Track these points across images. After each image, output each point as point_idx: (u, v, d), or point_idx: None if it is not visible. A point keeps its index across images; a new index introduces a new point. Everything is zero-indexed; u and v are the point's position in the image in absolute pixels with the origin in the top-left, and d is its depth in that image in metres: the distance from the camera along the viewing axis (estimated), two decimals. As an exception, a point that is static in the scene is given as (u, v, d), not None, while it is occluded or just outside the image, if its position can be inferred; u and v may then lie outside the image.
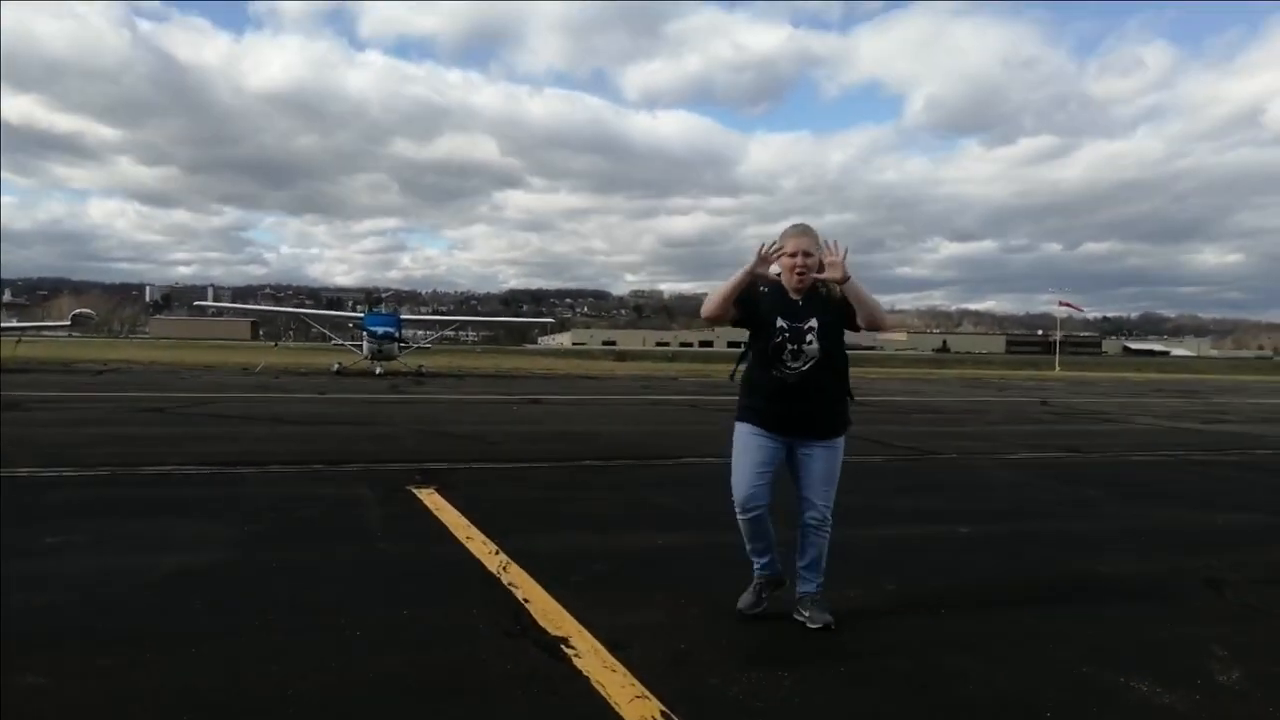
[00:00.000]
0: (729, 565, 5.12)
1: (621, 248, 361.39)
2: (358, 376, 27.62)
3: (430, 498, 6.98)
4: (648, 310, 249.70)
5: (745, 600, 4.27)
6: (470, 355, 61.68)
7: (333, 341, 35.72)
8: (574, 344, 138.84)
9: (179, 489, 7.43)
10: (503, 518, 6.27)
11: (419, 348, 34.92)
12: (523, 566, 4.95)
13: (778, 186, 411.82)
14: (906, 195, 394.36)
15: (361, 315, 35.06)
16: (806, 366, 3.98)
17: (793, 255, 3.98)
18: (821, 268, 3.96)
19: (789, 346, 3.98)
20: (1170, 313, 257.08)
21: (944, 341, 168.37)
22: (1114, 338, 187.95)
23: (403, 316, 36.23)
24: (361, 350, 30.65)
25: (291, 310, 73.40)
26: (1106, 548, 6.03)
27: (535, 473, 8.94)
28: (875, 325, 3.99)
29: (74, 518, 6.09)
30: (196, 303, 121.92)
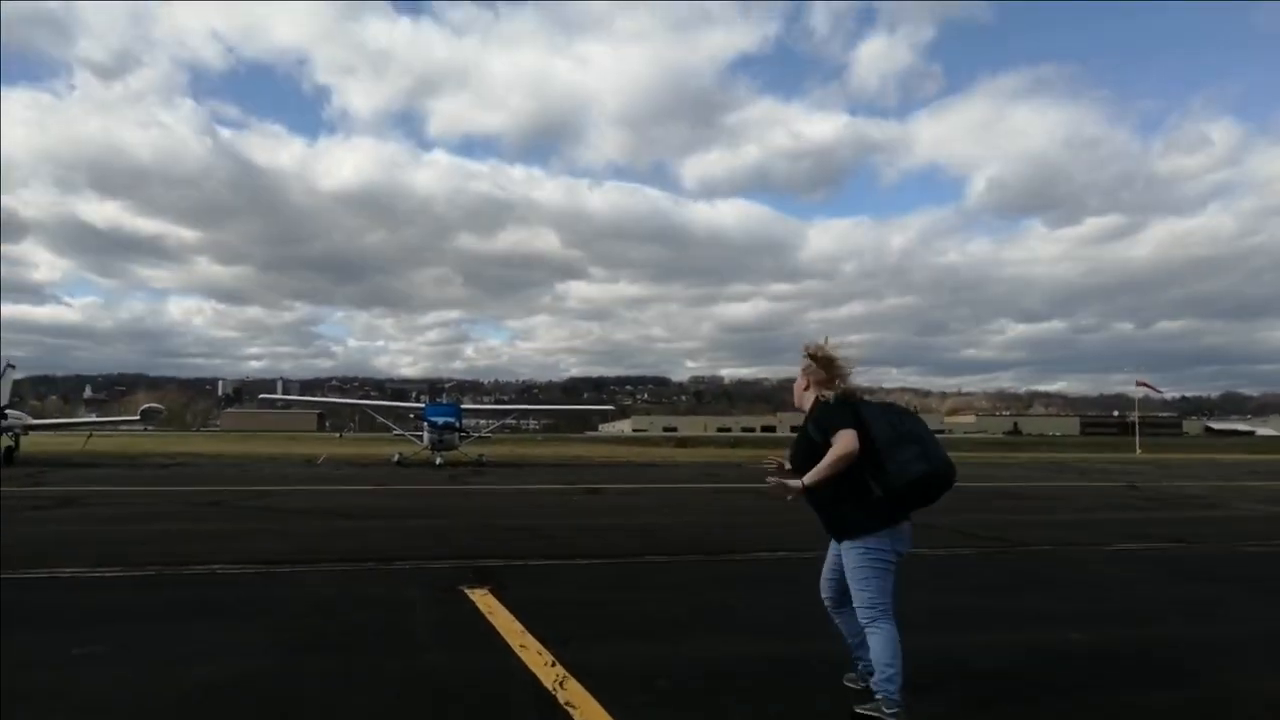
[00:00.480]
0: (808, 679, 4.54)
1: (681, 334, 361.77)
2: (418, 467, 27.47)
3: (484, 599, 6.50)
4: (708, 396, 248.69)
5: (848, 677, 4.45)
6: (531, 443, 61.51)
7: (394, 432, 35.87)
8: (635, 430, 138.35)
9: (223, 589, 7.07)
10: (560, 623, 5.76)
11: (480, 437, 34.80)
12: (581, 682, 4.44)
13: (838, 271, 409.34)
14: (970, 277, 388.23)
15: (423, 406, 35.16)
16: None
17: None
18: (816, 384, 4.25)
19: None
20: (1253, 391, 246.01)
21: (1015, 424, 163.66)
22: (1194, 418, 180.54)
23: (464, 406, 36.23)
24: (422, 440, 30.61)
25: (353, 402, 74.79)
26: (1248, 660, 5.26)
27: (595, 570, 8.38)
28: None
29: (107, 624, 5.79)
30: (262, 396, 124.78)
